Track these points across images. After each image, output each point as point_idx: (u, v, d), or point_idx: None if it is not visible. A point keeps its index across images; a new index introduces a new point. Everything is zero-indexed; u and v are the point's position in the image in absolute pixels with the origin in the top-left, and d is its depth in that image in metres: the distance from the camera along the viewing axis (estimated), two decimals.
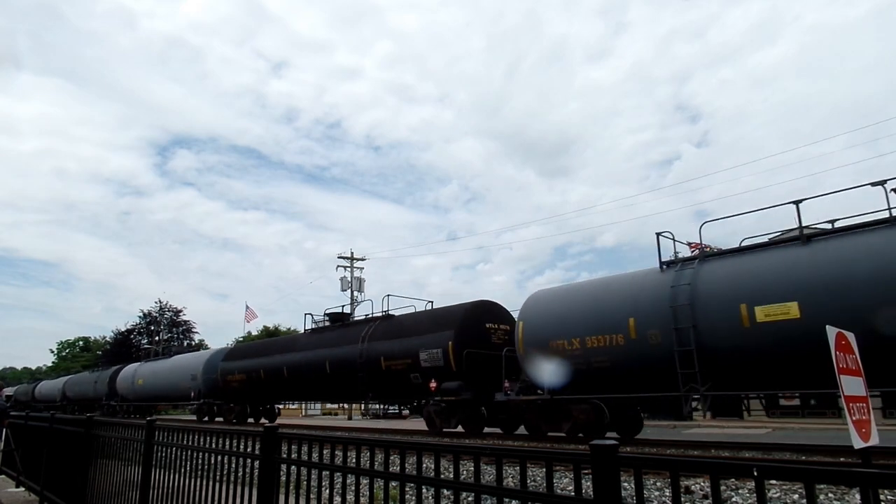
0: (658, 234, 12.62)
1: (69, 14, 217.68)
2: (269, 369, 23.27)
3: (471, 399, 15.52)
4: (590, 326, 12.51)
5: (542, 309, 14.07)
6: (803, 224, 11.36)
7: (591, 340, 12.44)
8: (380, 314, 19.94)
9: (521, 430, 15.46)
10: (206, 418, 27.58)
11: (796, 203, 11.03)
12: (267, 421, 25.55)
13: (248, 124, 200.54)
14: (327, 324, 22.98)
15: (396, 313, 19.84)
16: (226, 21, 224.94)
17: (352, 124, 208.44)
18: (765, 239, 11.75)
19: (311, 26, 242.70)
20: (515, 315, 15.77)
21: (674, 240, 12.70)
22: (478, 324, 16.57)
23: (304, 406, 54.44)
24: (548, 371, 13.00)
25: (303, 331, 25.25)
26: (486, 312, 17.09)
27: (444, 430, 16.03)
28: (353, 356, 18.83)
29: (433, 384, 16.06)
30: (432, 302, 19.83)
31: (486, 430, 16.52)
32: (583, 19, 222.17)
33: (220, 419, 26.81)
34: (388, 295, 20.15)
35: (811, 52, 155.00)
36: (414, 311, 19.45)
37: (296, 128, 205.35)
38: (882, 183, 9.95)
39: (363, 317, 21.06)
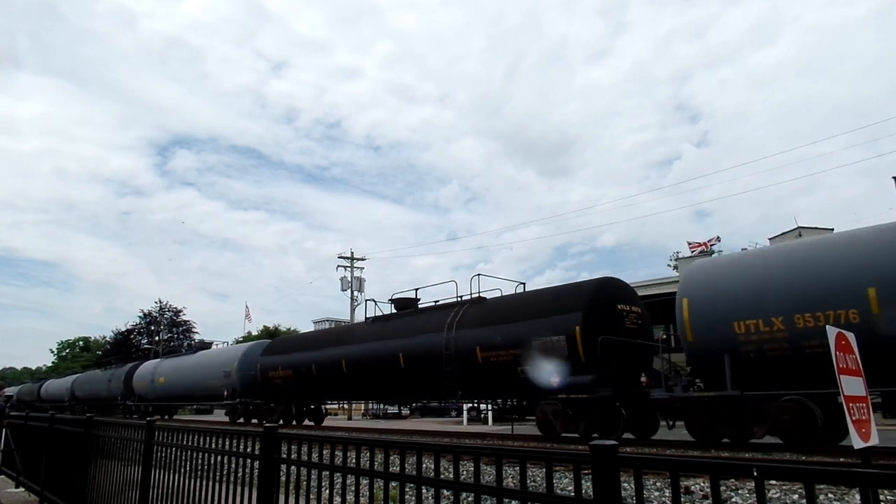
0: None
1: (69, 14, 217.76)
2: (323, 364, 20.17)
3: (610, 397, 12.54)
4: (799, 301, 9.97)
5: (715, 282, 11.47)
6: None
7: (801, 319, 9.89)
8: (467, 297, 16.87)
9: (672, 436, 13.07)
10: (240, 420, 24.91)
11: None
12: (313, 423, 23.77)
13: (249, 124, 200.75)
14: (393, 311, 19.73)
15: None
16: (226, 21, 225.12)
17: (352, 124, 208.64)
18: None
19: (311, 26, 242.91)
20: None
21: None
22: (608, 305, 13.64)
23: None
24: (731, 360, 10.72)
25: (355, 321, 23.63)
26: (615, 290, 14.27)
27: (564, 434, 13.45)
28: (435, 347, 15.92)
29: (555, 379, 13.06)
30: (524, 284, 17.21)
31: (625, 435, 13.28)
32: (583, 19, 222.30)
33: (256, 421, 24.54)
34: (478, 274, 17.02)
35: (811, 52, 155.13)
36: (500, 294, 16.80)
37: (296, 128, 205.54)
38: None
39: (452, 299, 17.43)
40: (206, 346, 35.87)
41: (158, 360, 34.73)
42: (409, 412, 40.79)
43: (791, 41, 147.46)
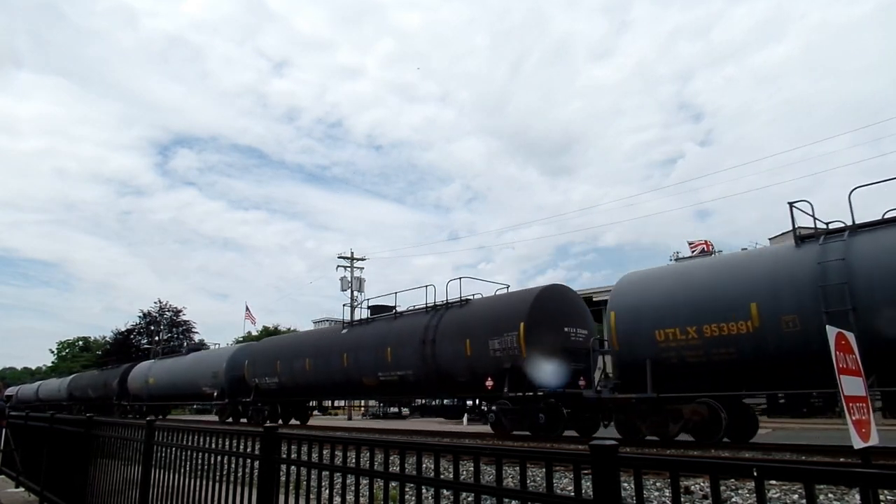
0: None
1: (70, 13, 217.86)
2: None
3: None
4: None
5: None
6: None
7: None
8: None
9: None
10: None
11: None
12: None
13: (250, 123, 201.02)
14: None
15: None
16: (227, 20, 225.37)
17: (353, 123, 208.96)
18: None
19: (312, 25, 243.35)
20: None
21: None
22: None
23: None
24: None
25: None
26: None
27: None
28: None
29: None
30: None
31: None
32: (586, 17, 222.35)
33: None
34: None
35: (816, 50, 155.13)
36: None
37: (297, 127, 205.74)
38: None
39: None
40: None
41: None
42: (408, 412, 40.80)
43: (796, 39, 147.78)
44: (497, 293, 17.14)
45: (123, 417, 30.77)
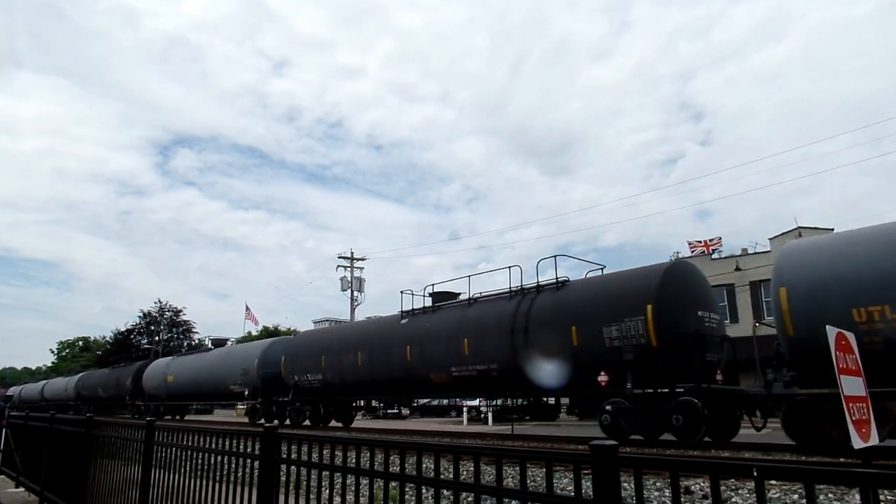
0: None
1: (70, 12, 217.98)
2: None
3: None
4: None
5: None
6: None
7: None
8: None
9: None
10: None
11: None
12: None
13: (250, 123, 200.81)
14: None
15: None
16: (227, 19, 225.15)
17: (353, 123, 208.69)
18: None
19: (312, 25, 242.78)
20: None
21: None
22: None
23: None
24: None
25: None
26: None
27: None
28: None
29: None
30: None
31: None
32: (587, 17, 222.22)
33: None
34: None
35: (817, 49, 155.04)
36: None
37: (297, 127, 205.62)
38: None
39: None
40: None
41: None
42: (408, 412, 40.77)
43: (797, 39, 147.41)
44: (592, 275, 15.16)
45: (137, 418, 30.23)
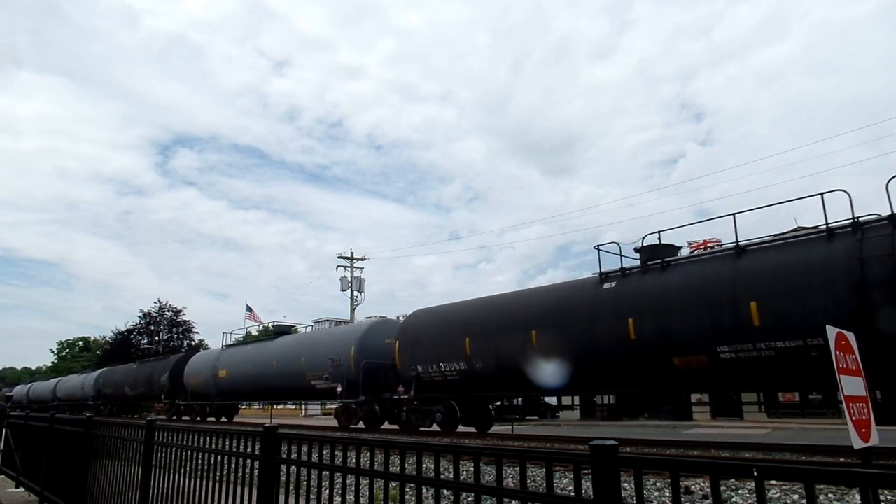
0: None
1: (70, 12, 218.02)
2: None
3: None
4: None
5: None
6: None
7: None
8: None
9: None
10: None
11: None
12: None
13: (250, 123, 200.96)
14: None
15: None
16: (228, 19, 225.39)
17: (354, 123, 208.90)
18: None
19: (313, 24, 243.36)
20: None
21: None
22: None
23: (303, 406, 50.26)
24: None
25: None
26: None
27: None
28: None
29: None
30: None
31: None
32: (588, 16, 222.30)
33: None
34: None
35: (818, 49, 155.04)
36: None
37: (297, 127, 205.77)
38: None
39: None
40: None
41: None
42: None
43: (798, 38, 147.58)
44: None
45: (176, 419, 28.04)
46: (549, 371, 13.42)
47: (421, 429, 16.77)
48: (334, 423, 21.81)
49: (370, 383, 18.26)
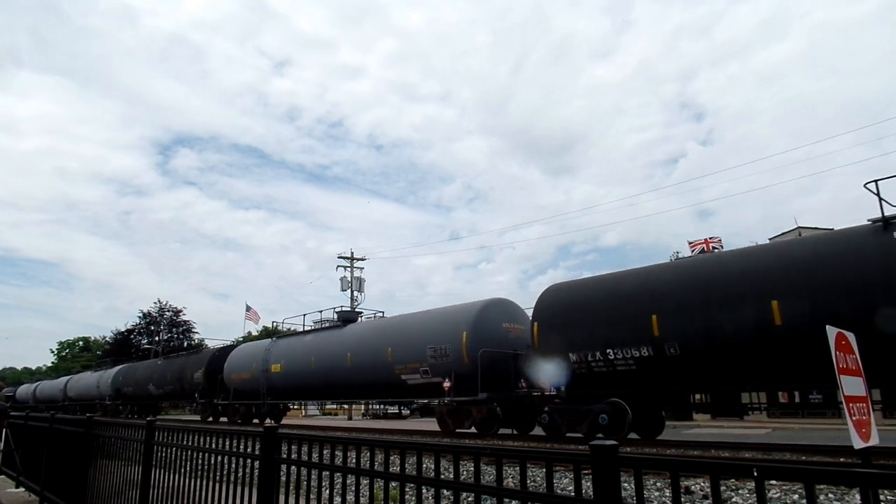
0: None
1: (70, 11, 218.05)
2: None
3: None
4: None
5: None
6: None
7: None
8: None
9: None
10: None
11: None
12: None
13: (250, 123, 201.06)
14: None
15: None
16: (228, 19, 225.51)
17: (354, 123, 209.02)
18: None
19: (313, 24, 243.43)
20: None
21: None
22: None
23: (303, 406, 50.67)
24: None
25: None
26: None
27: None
28: None
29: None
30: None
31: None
32: (588, 16, 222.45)
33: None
34: None
35: (819, 49, 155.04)
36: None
37: (298, 126, 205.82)
38: None
39: None
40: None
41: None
42: (409, 412, 40.75)
43: (799, 38, 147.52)
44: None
45: (214, 421, 25.42)
46: (798, 356, 9.82)
47: (568, 434, 13.52)
48: (377, 424, 19.44)
49: (491, 377, 14.69)
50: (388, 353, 17.12)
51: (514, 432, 15.46)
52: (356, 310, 22.73)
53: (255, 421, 24.79)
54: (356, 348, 18.80)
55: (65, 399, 43.09)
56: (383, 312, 22.59)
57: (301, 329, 24.45)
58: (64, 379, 47.98)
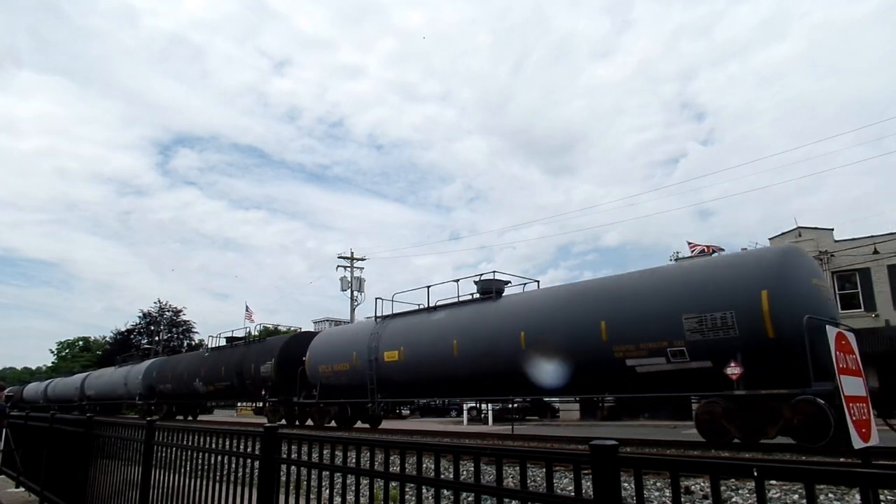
0: None
1: (70, 11, 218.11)
2: None
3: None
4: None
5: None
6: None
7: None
8: None
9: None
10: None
11: None
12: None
13: (250, 123, 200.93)
14: None
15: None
16: (228, 18, 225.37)
17: (354, 123, 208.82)
18: None
19: (314, 24, 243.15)
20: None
21: None
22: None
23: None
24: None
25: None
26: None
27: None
28: None
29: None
30: None
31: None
32: (588, 16, 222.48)
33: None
34: None
35: (819, 49, 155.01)
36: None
37: (298, 126, 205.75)
38: None
39: None
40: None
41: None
42: (408, 412, 40.69)
43: (799, 38, 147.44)
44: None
45: (289, 425, 20.34)
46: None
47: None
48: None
49: (812, 359, 9.21)
50: (600, 330, 12.18)
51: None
52: (497, 279, 16.00)
53: (359, 424, 20.05)
54: (532, 325, 13.55)
55: (82, 398, 38.67)
56: (538, 282, 16.58)
57: (423, 306, 17.56)
58: (81, 376, 43.02)
